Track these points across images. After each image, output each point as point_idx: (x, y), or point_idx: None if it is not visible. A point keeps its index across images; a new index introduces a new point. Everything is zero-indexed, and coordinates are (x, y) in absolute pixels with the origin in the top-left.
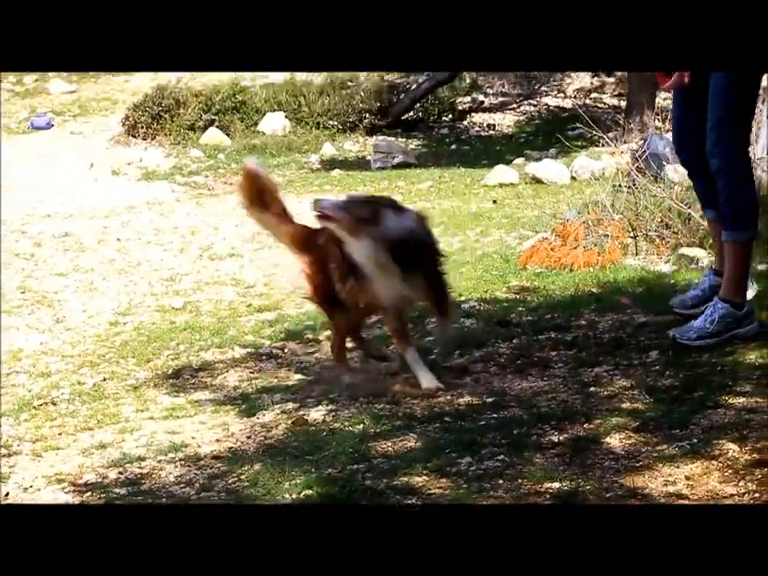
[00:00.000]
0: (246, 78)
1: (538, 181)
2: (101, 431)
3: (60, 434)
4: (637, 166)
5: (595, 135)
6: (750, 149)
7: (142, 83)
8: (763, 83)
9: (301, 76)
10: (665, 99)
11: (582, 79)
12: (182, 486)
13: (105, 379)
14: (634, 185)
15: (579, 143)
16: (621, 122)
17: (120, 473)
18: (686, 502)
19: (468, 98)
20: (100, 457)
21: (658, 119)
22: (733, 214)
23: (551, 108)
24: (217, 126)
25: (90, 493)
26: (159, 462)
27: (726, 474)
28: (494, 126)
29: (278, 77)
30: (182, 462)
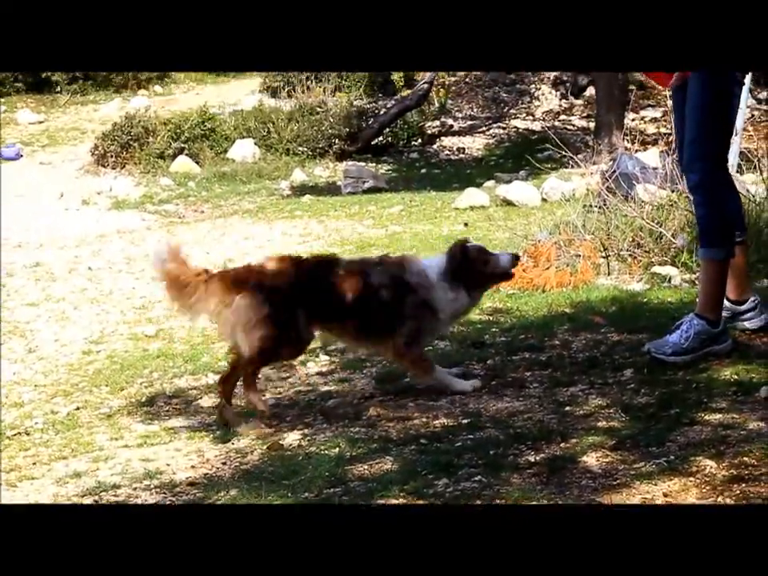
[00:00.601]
0: (215, 106)
1: (508, 203)
2: (75, 460)
3: (34, 463)
4: (607, 186)
5: (565, 157)
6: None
7: (110, 112)
8: None
9: (269, 103)
10: (632, 120)
11: (550, 101)
12: None
13: (78, 408)
14: (605, 205)
15: (549, 165)
16: (590, 143)
17: (95, 501)
18: None
19: (437, 122)
20: (75, 486)
21: (627, 140)
22: (708, 231)
23: (520, 130)
24: (186, 154)
25: None
26: (134, 489)
27: (704, 490)
28: (464, 149)
29: (246, 104)
30: (158, 489)
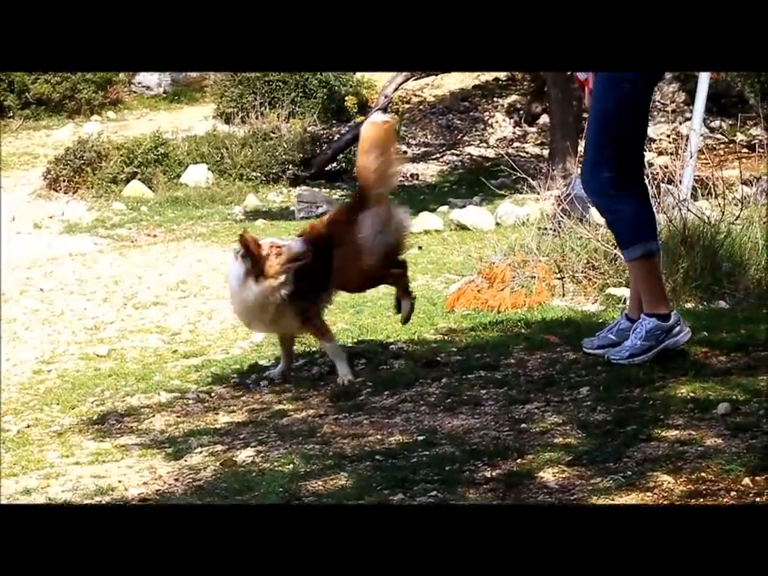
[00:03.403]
0: (168, 131)
1: (462, 227)
2: (25, 477)
3: None
4: (562, 208)
5: (518, 183)
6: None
7: (63, 137)
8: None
9: (223, 128)
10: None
11: (504, 129)
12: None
13: (29, 426)
14: (560, 227)
15: (503, 191)
16: (543, 170)
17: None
18: None
19: None
20: (25, 502)
21: (581, 166)
22: (618, 235)
23: (474, 157)
24: (139, 179)
25: None
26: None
27: (662, 505)
28: (418, 175)
29: (200, 129)
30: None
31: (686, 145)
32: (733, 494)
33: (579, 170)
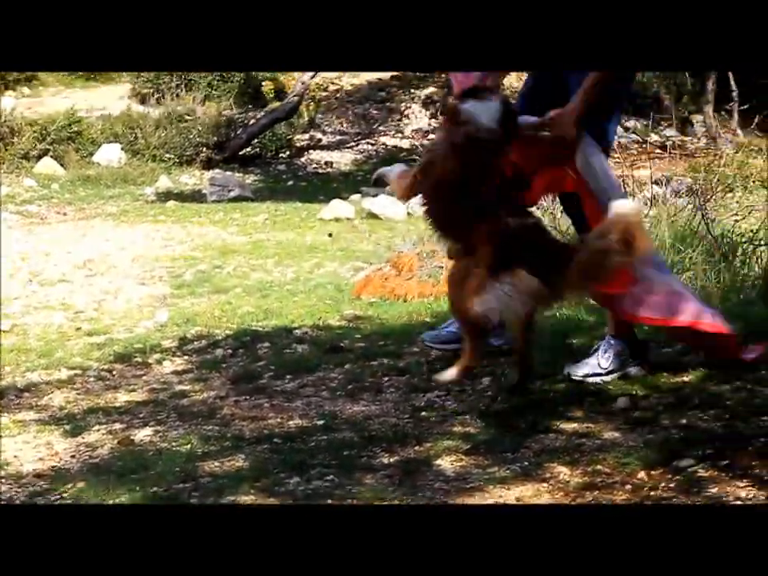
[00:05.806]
0: (83, 109)
1: (374, 216)
2: None
3: None
4: None
5: None
6: None
7: None
8: None
9: (137, 108)
10: None
11: (420, 120)
12: (0, 503)
13: None
14: None
15: None
16: None
17: None
18: None
19: (306, 136)
20: None
21: None
22: None
23: (389, 147)
24: (51, 156)
25: None
26: None
27: (557, 496)
28: (332, 163)
29: (115, 109)
30: (3, 480)
31: None
32: (628, 487)
33: None
